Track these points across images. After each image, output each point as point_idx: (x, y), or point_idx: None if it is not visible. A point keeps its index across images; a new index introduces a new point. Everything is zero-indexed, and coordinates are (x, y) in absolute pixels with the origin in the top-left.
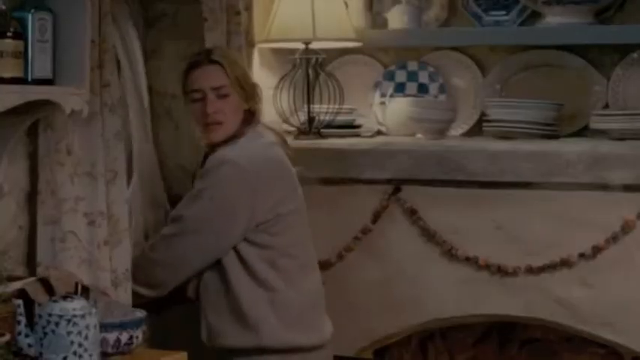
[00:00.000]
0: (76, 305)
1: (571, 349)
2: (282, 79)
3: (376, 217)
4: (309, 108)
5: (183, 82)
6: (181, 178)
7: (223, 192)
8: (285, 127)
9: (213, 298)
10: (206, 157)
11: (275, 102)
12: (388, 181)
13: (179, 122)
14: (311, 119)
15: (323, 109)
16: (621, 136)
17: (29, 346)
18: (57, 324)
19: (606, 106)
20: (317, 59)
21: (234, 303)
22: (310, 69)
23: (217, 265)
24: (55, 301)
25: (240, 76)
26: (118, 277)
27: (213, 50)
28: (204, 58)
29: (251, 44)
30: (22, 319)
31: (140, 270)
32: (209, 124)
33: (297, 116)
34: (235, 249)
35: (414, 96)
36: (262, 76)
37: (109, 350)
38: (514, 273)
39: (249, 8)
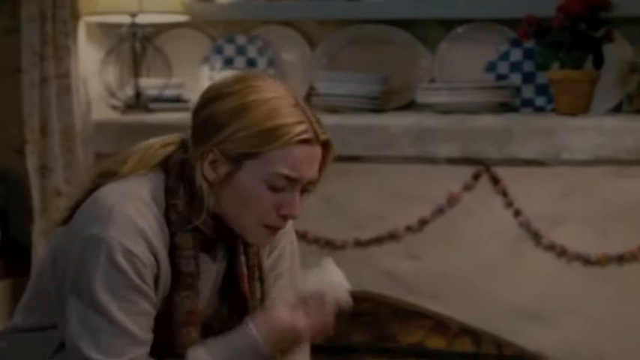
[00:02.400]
0: None
1: (399, 321)
2: (108, 52)
3: None
4: (136, 82)
5: (263, 144)
6: None
7: None
8: (113, 101)
9: None
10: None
11: (102, 76)
12: None
13: None
14: (138, 94)
15: (150, 84)
16: (447, 110)
17: None
18: None
19: (432, 81)
20: (144, 33)
21: None
22: (137, 43)
23: None
24: None
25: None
26: None
27: (318, 122)
28: (314, 133)
29: (76, 17)
30: None
31: None
32: (276, 228)
33: (125, 90)
34: None
35: (242, 70)
36: (89, 50)
37: None
38: (342, 247)
39: None
